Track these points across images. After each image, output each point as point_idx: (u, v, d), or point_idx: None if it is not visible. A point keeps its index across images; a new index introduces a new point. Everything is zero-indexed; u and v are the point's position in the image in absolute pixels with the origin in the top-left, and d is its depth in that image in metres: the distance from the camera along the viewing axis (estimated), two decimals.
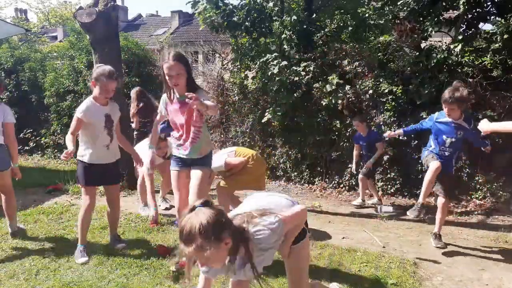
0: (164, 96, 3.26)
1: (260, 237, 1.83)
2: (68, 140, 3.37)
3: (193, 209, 1.76)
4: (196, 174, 3.22)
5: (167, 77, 3.07)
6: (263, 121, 6.46)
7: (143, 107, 5.56)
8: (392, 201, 5.57)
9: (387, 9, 6.40)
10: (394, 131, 4.56)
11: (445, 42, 6.47)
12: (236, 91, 7.18)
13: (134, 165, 4.86)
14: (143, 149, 4.12)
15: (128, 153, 3.86)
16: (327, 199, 5.78)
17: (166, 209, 4.96)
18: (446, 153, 3.87)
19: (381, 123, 5.78)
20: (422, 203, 3.76)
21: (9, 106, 3.92)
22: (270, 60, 6.33)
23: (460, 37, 5.63)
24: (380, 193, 5.63)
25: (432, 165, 3.78)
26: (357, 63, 6.20)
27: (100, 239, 3.87)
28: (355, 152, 5.48)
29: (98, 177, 3.50)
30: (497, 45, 5.31)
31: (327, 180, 6.29)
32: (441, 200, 3.93)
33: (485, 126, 2.80)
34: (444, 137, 3.82)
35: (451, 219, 4.94)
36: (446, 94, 3.59)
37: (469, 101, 3.73)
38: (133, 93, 5.73)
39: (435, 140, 3.92)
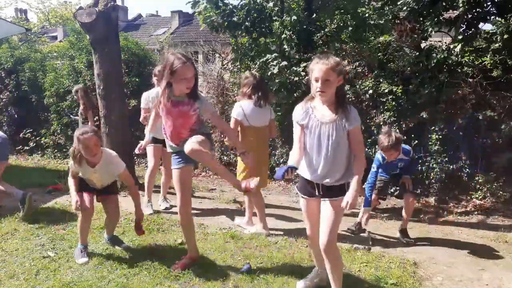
0: (156, 91, 3.17)
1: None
2: (71, 187, 3.43)
3: None
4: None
5: (180, 78, 2.91)
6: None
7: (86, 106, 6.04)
8: (392, 201, 5.56)
9: (387, 9, 6.39)
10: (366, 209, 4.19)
11: (445, 42, 6.47)
12: (236, 91, 7.17)
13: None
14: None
15: (128, 152, 3.86)
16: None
17: (166, 209, 4.96)
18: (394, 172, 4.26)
19: (381, 123, 5.78)
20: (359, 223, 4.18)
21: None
22: (270, 60, 6.33)
23: (460, 37, 5.63)
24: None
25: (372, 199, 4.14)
26: (357, 63, 6.20)
27: (100, 239, 3.87)
28: None
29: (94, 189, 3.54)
30: (497, 45, 5.32)
31: None
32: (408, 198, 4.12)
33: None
34: (391, 170, 4.25)
35: (451, 219, 4.95)
36: (384, 142, 3.80)
37: (401, 142, 3.94)
38: (79, 91, 6.08)
39: (381, 173, 4.26)
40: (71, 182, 3.43)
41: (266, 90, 4.24)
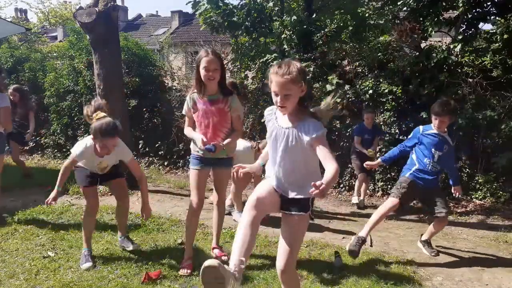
0: (194, 96, 3.16)
1: None
2: (61, 175, 3.24)
3: None
4: (226, 175, 3.32)
5: (203, 71, 2.98)
6: (263, 121, 6.44)
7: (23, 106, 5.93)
8: None
9: (387, 9, 6.41)
10: (376, 158, 4.27)
11: (445, 42, 6.48)
12: (234, 93, 7.17)
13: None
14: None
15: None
16: (327, 199, 5.78)
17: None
18: (434, 169, 3.65)
19: (381, 123, 5.78)
20: (364, 237, 3.47)
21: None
22: (270, 60, 6.34)
23: (460, 37, 5.65)
24: (380, 193, 5.64)
25: (391, 201, 3.60)
26: (357, 63, 6.21)
27: (100, 239, 3.87)
28: (357, 144, 5.24)
29: (97, 175, 3.40)
30: (497, 45, 5.32)
31: None
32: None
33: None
34: (433, 150, 3.63)
35: (451, 219, 4.94)
36: (437, 107, 3.57)
37: (457, 113, 3.73)
38: (15, 92, 6.04)
39: (422, 156, 3.68)
40: (64, 171, 3.22)
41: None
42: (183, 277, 3.13)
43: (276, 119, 2.32)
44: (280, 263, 2.26)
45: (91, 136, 3.15)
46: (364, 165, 4.07)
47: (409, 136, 3.85)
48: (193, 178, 3.25)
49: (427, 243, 3.83)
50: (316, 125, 2.18)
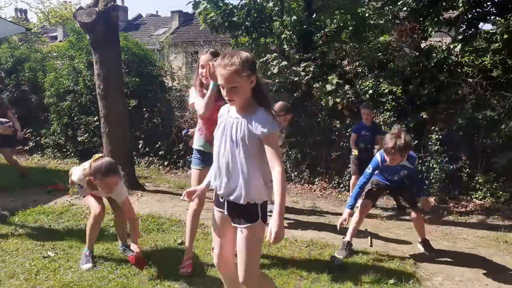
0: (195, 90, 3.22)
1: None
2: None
3: None
4: None
5: (199, 65, 3.16)
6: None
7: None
8: (392, 201, 5.56)
9: (387, 9, 6.41)
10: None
11: (445, 42, 6.48)
12: None
13: None
14: None
15: (128, 152, 3.82)
16: (327, 199, 5.78)
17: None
18: (398, 179, 3.70)
19: (381, 123, 5.78)
20: (349, 241, 3.65)
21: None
22: (270, 60, 6.34)
23: (460, 37, 5.65)
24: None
25: (364, 204, 3.69)
26: (357, 63, 6.21)
27: (100, 239, 3.86)
28: (352, 141, 5.21)
29: None
30: (497, 45, 5.33)
31: (327, 180, 6.29)
32: (413, 214, 3.73)
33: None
34: (392, 173, 3.68)
35: (451, 219, 4.95)
36: (389, 143, 3.30)
37: (411, 147, 3.45)
38: None
39: (384, 174, 3.72)
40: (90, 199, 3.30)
41: None
42: (183, 277, 3.13)
43: (228, 112, 2.18)
44: (239, 274, 2.14)
45: (89, 178, 3.16)
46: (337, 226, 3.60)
47: (367, 169, 3.65)
48: (194, 177, 3.24)
49: (425, 243, 3.82)
50: (268, 120, 2.02)
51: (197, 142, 3.26)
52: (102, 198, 3.44)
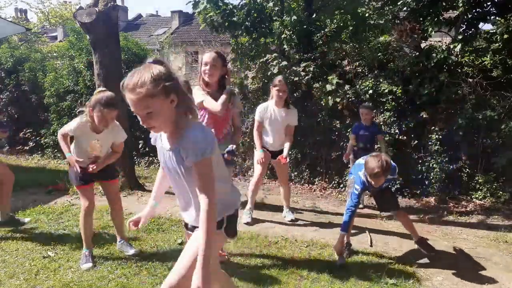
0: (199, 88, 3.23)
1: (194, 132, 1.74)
2: (63, 144, 3.32)
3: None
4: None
5: (201, 63, 3.21)
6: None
7: None
8: None
9: (387, 9, 6.41)
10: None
11: (445, 42, 6.48)
12: (236, 91, 7.17)
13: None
14: None
15: (127, 152, 3.82)
16: (327, 199, 5.78)
17: (292, 221, 4.63)
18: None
19: (381, 123, 5.78)
20: (348, 242, 3.72)
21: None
22: (270, 60, 6.34)
23: (460, 37, 5.64)
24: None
25: (351, 208, 3.55)
26: (357, 63, 6.21)
27: (100, 239, 3.87)
28: (350, 143, 5.19)
29: (91, 174, 3.35)
30: (497, 45, 5.33)
31: (327, 180, 6.29)
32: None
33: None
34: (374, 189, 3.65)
35: (451, 219, 4.95)
36: (376, 168, 3.25)
37: (392, 168, 3.43)
38: None
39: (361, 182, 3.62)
40: (61, 139, 3.28)
41: None
42: None
43: (161, 139, 1.91)
44: (172, 277, 1.96)
45: (88, 110, 3.17)
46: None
47: (355, 190, 3.57)
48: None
49: (421, 242, 3.79)
50: (196, 143, 1.72)
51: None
52: (93, 193, 3.43)
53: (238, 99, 3.42)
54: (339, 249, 3.49)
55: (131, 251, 3.55)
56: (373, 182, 3.38)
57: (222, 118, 3.22)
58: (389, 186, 3.80)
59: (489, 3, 5.77)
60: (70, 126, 3.26)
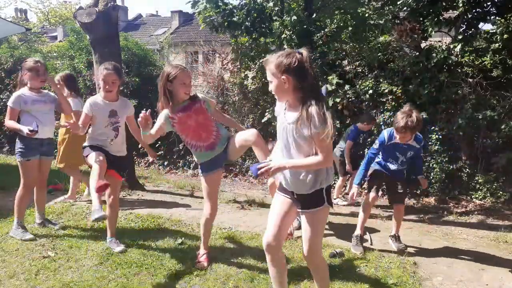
0: (166, 112, 3.07)
1: None
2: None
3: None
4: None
5: (179, 83, 2.99)
6: (263, 121, 6.46)
7: None
8: None
9: (387, 9, 6.41)
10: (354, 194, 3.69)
11: (445, 42, 6.48)
12: (236, 91, 7.18)
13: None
14: None
15: (128, 152, 3.82)
16: None
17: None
18: (396, 167, 3.71)
19: (381, 123, 5.78)
20: (360, 235, 3.82)
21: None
22: None
23: (460, 37, 5.65)
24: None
25: (371, 196, 3.77)
26: (357, 63, 6.21)
27: (100, 239, 3.86)
28: (348, 152, 5.15)
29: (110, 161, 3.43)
30: (497, 45, 5.32)
31: None
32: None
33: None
34: (397, 154, 3.67)
35: (451, 219, 4.95)
36: (401, 121, 3.34)
37: (421, 125, 3.48)
38: None
39: (386, 157, 3.73)
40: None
41: None
42: (183, 276, 3.13)
43: (285, 114, 2.41)
44: (304, 248, 2.39)
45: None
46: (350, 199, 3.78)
47: (374, 145, 3.69)
48: (212, 183, 3.20)
49: (395, 237, 3.88)
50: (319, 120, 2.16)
51: (200, 159, 3.18)
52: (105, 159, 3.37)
53: (207, 97, 3.28)
54: (351, 197, 3.62)
55: (118, 248, 3.56)
56: (398, 137, 3.45)
57: (202, 122, 3.08)
58: (404, 177, 3.81)
59: (489, 3, 5.77)
60: (85, 107, 3.48)
